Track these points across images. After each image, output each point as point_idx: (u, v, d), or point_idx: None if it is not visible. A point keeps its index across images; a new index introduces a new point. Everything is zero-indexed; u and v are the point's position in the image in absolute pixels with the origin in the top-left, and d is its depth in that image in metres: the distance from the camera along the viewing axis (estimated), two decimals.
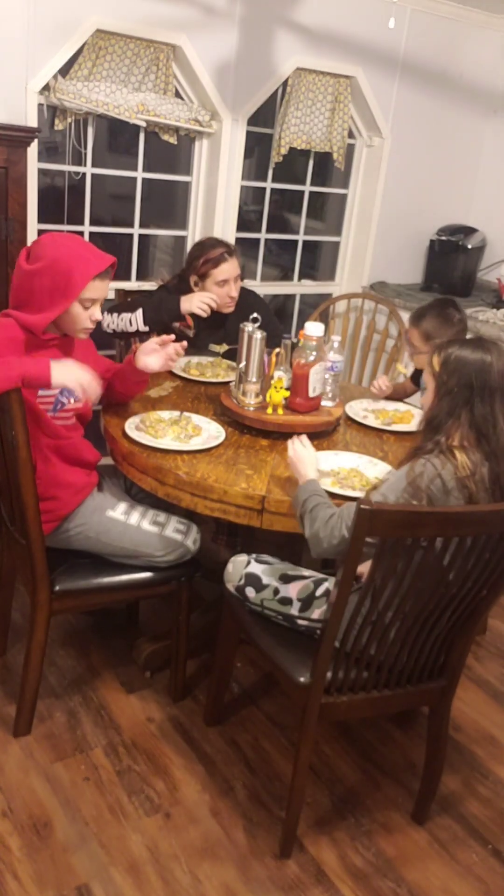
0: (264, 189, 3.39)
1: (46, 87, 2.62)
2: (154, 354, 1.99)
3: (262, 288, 3.40)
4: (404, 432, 2.19)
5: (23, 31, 2.50)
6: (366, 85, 3.30)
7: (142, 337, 2.49)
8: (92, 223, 3.00)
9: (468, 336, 2.03)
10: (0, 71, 2.51)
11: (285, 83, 3.12)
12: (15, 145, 2.30)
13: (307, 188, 3.52)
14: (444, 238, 3.65)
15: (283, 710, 2.11)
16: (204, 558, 2.06)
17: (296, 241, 3.62)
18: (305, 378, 2.02)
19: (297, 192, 3.55)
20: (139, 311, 2.41)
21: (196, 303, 2.42)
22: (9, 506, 1.86)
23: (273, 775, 1.90)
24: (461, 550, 1.45)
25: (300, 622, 1.70)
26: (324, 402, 2.16)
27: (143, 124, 2.85)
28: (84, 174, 2.91)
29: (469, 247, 3.63)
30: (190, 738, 1.98)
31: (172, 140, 2.97)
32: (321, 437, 2.08)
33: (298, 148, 3.26)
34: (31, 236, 2.67)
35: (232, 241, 2.98)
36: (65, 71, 2.65)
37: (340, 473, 1.82)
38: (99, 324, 1.90)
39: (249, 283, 3.25)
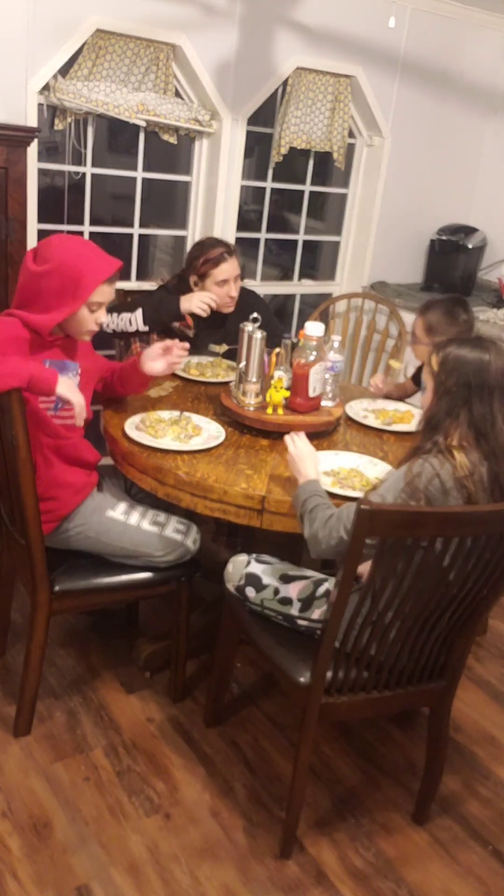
0: (264, 189, 3.39)
1: (46, 87, 2.62)
2: (159, 359, 2.00)
3: (262, 288, 3.39)
4: (404, 432, 2.18)
5: (23, 30, 2.50)
6: (366, 84, 3.29)
7: (141, 337, 2.49)
8: (92, 223, 3.00)
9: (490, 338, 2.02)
10: (0, 71, 2.50)
11: (285, 83, 3.12)
12: (15, 145, 2.30)
13: (307, 188, 3.52)
14: (444, 238, 3.65)
15: (283, 710, 2.11)
16: (204, 558, 2.06)
17: (296, 241, 3.62)
18: (305, 378, 2.02)
19: (297, 192, 3.55)
20: (139, 311, 2.41)
21: (196, 303, 2.42)
22: (8, 506, 1.86)
23: (273, 776, 1.90)
24: (461, 551, 1.45)
25: (300, 622, 1.69)
26: (324, 402, 2.16)
27: (143, 124, 2.85)
28: (84, 174, 2.91)
29: (469, 246, 3.63)
30: (190, 738, 1.98)
31: (172, 140, 2.97)
32: (321, 437, 2.08)
33: (298, 147, 3.26)
34: (31, 236, 2.67)
35: (232, 240, 2.98)
36: (65, 71, 2.65)
37: (340, 473, 1.82)
38: None
39: (249, 283, 3.25)
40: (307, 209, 3.56)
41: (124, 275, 3.13)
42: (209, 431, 1.98)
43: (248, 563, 1.78)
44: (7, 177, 2.31)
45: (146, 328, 2.44)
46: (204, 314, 2.44)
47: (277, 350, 2.12)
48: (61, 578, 1.85)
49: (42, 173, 2.80)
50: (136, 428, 1.93)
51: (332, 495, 1.69)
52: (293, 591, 1.70)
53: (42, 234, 2.81)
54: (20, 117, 2.57)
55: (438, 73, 3.49)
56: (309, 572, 1.77)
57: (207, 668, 2.22)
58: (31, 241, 2.67)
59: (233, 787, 1.85)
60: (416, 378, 2.47)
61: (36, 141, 2.51)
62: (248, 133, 3.10)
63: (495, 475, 1.49)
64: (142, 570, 1.92)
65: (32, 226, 2.68)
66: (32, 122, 2.59)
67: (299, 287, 3.72)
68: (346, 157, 3.40)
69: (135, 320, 2.41)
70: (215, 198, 3.12)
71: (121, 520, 1.89)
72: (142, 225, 3.13)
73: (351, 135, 3.47)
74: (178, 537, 1.91)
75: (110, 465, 2.02)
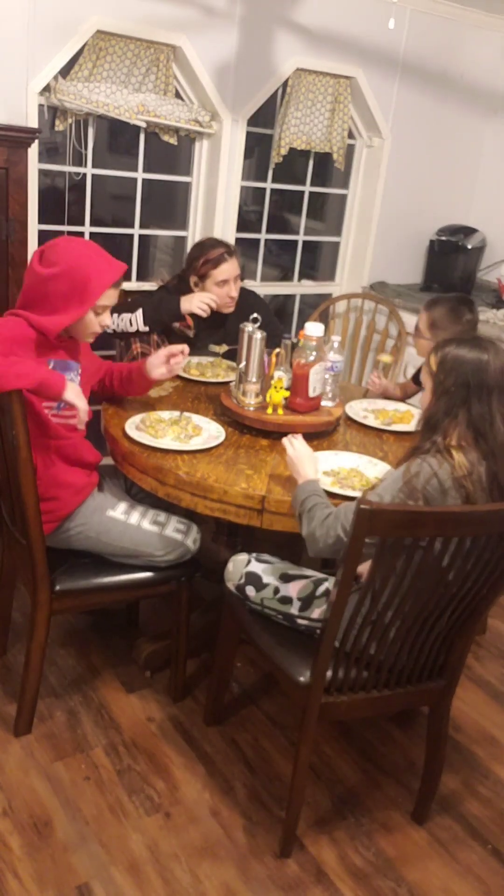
0: (264, 189, 3.40)
1: (47, 88, 2.62)
2: (164, 366, 2.03)
3: (262, 288, 3.40)
4: (404, 432, 2.19)
5: (23, 32, 2.50)
6: (366, 85, 3.30)
7: (142, 337, 2.50)
8: (92, 224, 3.00)
9: (488, 338, 2.03)
10: (1, 72, 2.51)
11: (285, 84, 3.13)
12: (15, 146, 2.30)
13: (307, 188, 3.53)
14: (443, 238, 3.66)
15: (283, 709, 2.11)
16: (204, 558, 2.06)
17: (296, 242, 3.63)
18: (305, 378, 2.02)
19: (297, 193, 3.55)
20: (139, 312, 2.41)
21: (196, 303, 2.42)
22: (9, 506, 1.87)
23: (273, 775, 1.90)
24: (461, 550, 1.45)
25: (300, 622, 1.70)
26: (324, 402, 2.17)
27: (144, 125, 2.86)
28: (84, 175, 2.91)
29: (469, 247, 3.63)
30: (190, 737, 1.98)
31: (172, 141, 2.97)
32: (321, 437, 2.08)
33: (298, 148, 3.27)
34: (32, 237, 2.68)
35: (232, 241, 2.98)
36: (65, 72, 2.66)
37: (340, 473, 1.83)
38: None
39: (249, 284, 3.26)
40: (307, 210, 3.56)
41: (125, 275, 3.13)
42: (209, 431, 1.98)
43: (249, 562, 1.78)
44: (8, 177, 2.31)
45: (146, 328, 2.45)
46: (204, 314, 2.45)
47: (277, 350, 2.13)
48: (62, 578, 1.86)
49: (43, 174, 2.80)
50: (137, 428, 1.94)
51: (331, 495, 1.69)
52: (293, 590, 1.71)
53: (43, 235, 2.82)
54: (21, 118, 2.57)
55: (438, 74, 3.50)
56: (309, 572, 1.77)
57: (207, 667, 2.23)
58: (32, 242, 2.67)
59: (233, 787, 1.85)
60: (417, 378, 2.47)
61: (37, 142, 2.51)
62: (248, 134, 3.10)
63: (494, 474, 1.49)
64: (142, 570, 1.93)
65: (33, 226, 2.69)
66: (33, 122, 2.60)
67: (299, 287, 3.73)
68: (345, 157, 3.40)
69: (135, 320, 2.42)
70: (215, 198, 3.13)
71: (121, 519, 1.89)
72: (142, 225, 3.14)
73: (351, 136, 3.48)
74: (179, 537, 1.91)
75: (110, 465, 2.03)
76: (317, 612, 1.68)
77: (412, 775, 1.94)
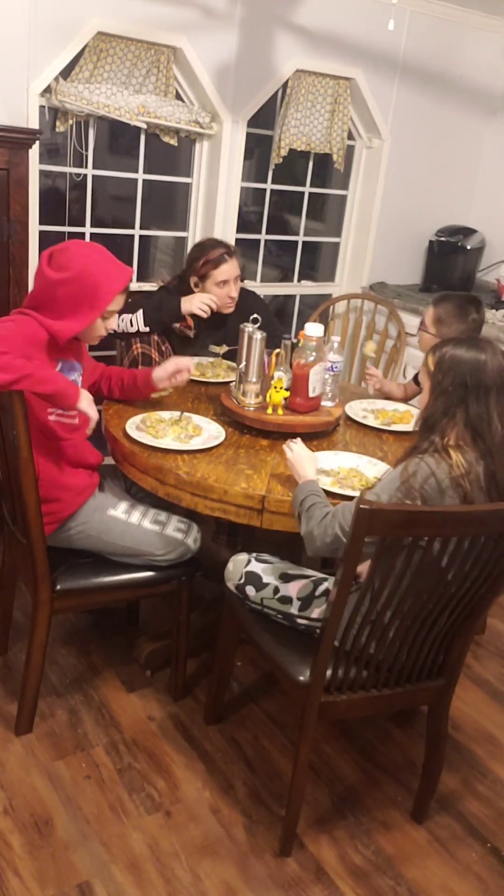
0: (264, 190, 3.40)
1: (48, 90, 2.63)
2: (168, 380, 2.07)
3: (262, 289, 3.41)
4: (404, 432, 2.20)
5: (24, 33, 2.51)
6: (365, 87, 3.31)
7: (142, 337, 2.50)
8: (93, 224, 3.01)
9: (486, 338, 2.04)
10: (1, 73, 2.52)
11: (285, 85, 3.13)
12: (16, 147, 2.31)
13: (307, 189, 3.54)
14: (443, 239, 3.67)
15: (283, 708, 2.12)
16: (204, 558, 2.07)
17: (296, 242, 3.63)
18: (305, 378, 2.03)
19: (296, 194, 3.56)
20: (140, 312, 2.42)
21: (196, 303, 2.43)
22: (10, 505, 1.87)
23: (273, 774, 1.91)
24: (460, 550, 1.46)
25: (300, 621, 1.71)
26: (323, 403, 2.17)
27: (144, 126, 2.86)
28: (85, 176, 2.92)
29: (468, 248, 3.64)
30: (190, 736, 1.99)
31: (173, 142, 2.98)
32: (321, 437, 2.09)
33: (298, 149, 3.28)
34: (33, 237, 2.68)
35: (232, 242, 2.99)
36: (66, 73, 2.67)
37: (340, 473, 1.83)
38: None
39: (249, 284, 3.26)
40: (307, 210, 3.57)
41: None
42: (209, 431, 1.99)
43: (249, 562, 1.79)
44: (9, 178, 2.32)
45: (147, 329, 2.46)
46: (204, 315, 2.46)
47: (277, 350, 2.14)
48: (63, 577, 1.86)
49: (43, 175, 2.81)
50: (137, 428, 1.95)
51: (331, 495, 1.70)
52: (293, 589, 1.71)
53: (43, 236, 2.83)
54: (22, 119, 2.58)
55: (437, 75, 3.51)
56: (309, 571, 1.78)
57: (208, 666, 2.23)
58: (33, 243, 2.68)
59: (233, 785, 1.86)
60: (418, 379, 2.48)
61: (37, 143, 2.52)
62: (248, 135, 3.11)
63: (492, 474, 1.50)
64: (143, 570, 1.93)
65: (34, 227, 2.70)
66: (34, 124, 2.61)
67: (299, 288, 3.73)
68: (345, 158, 3.41)
69: (136, 321, 2.43)
70: (215, 199, 3.14)
71: (122, 518, 1.90)
72: (142, 226, 3.15)
73: (350, 137, 3.49)
74: (179, 536, 1.92)
75: (111, 464, 2.03)
76: (316, 612, 1.68)
77: (411, 774, 1.95)
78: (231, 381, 2.28)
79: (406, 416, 2.27)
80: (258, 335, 2.03)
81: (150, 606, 2.45)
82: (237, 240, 3.22)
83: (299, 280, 3.73)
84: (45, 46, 2.56)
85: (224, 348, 2.55)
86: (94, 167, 2.92)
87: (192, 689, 2.15)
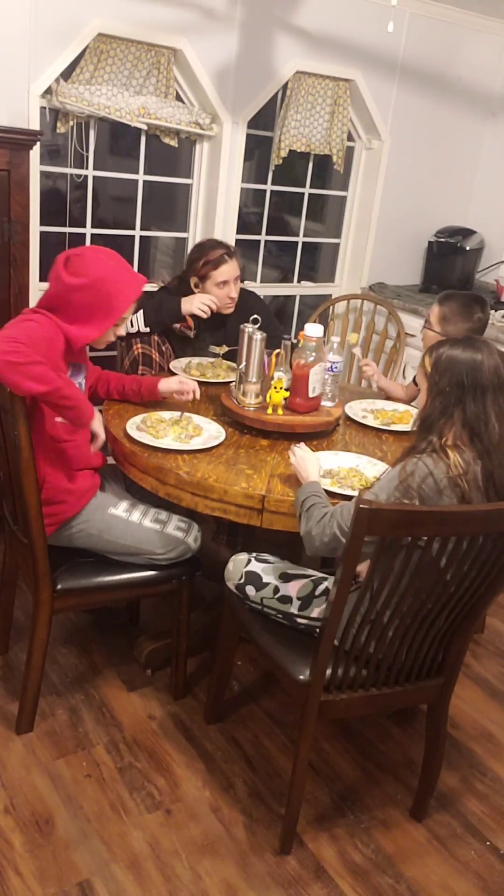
0: (264, 191, 3.41)
1: (49, 91, 2.64)
2: (172, 394, 2.10)
3: (262, 289, 3.41)
4: (403, 432, 2.20)
5: (25, 34, 2.52)
6: (365, 88, 3.32)
7: (142, 337, 2.51)
8: (94, 225, 3.02)
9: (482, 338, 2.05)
10: (2, 74, 2.53)
11: (285, 86, 3.14)
12: (17, 148, 2.32)
13: (307, 190, 3.54)
14: (442, 240, 3.67)
15: (282, 707, 2.13)
16: (204, 557, 2.08)
17: (295, 243, 3.64)
18: (305, 378, 2.04)
19: (296, 195, 3.57)
20: (140, 313, 2.43)
21: (196, 304, 2.44)
22: (11, 505, 1.88)
23: (273, 772, 1.92)
24: (458, 550, 1.46)
25: (300, 620, 1.71)
26: (323, 403, 2.18)
27: (145, 127, 2.87)
28: (86, 177, 2.93)
29: (467, 248, 3.65)
30: (191, 735, 2.00)
31: (173, 143, 2.99)
32: (321, 437, 2.10)
33: (298, 150, 3.28)
34: (34, 238, 2.69)
35: (232, 242, 3.00)
36: (67, 74, 2.67)
37: (340, 473, 1.84)
38: None
39: (249, 285, 3.27)
40: (307, 211, 3.58)
41: None
42: (209, 431, 2.00)
43: (249, 561, 1.80)
44: (9, 179, 2.32)
45: (147, 329, 2.46)
46: (204, 316, 2.47)
47: (277, 351, 2.14)
48: (63, 577, 1.87)
49: (44, 176, 2.82)
50: (138, 428, 1.95)
51: (331, 494, 1.71)
52: (293, 589, 1.72)
53: (44, 237, 2.84)
54: (22, 120, 2.59)
55: (436, 76, 3.52)
56: (308, 571, 1.78)
57: (208, 665, 2.24)
58: (34, 244, 2.69)
59: (233, 784, 1.87)
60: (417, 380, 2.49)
61: (38, 144, 2.52)
62: (248, 136, 3.12)
63: (489, 473, 1.51)
64: (143, 569, 1.94)
65: (35, 228, 2.70)
66: (35, 125, 2.62)
67: (299, 289, 3.74)
68: (345, 160, 3.42)
69: (136, 321, 2.44)
70: (216, 200, 3.14)
71: (123, 517, 1.91)
72: (143, 227, 3.15)
73: (350, 138, 3.50)
74: (180, 535, 1.93)
75: (111, 464, 2.04)
76: (316, 611, 1.69)
77: (411, 773, 1.96)
78: (231, 382, 2.28)
79: (406, 416, 2.28)
80: (258, 335, 2.03)
81: (151, 606, 2.46)
82: (237, 240, 3.23)
83: (299, 281, 3.73)
84: (45, 48, 2.57)
85: (224, 349, 2.56)
86: (95, 168, 2.93)
87: (192, 688, 2.16)
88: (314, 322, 2.91)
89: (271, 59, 3.03)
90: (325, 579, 1.74)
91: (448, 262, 3.68)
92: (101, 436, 1.84)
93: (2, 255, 2.37)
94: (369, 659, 1.60)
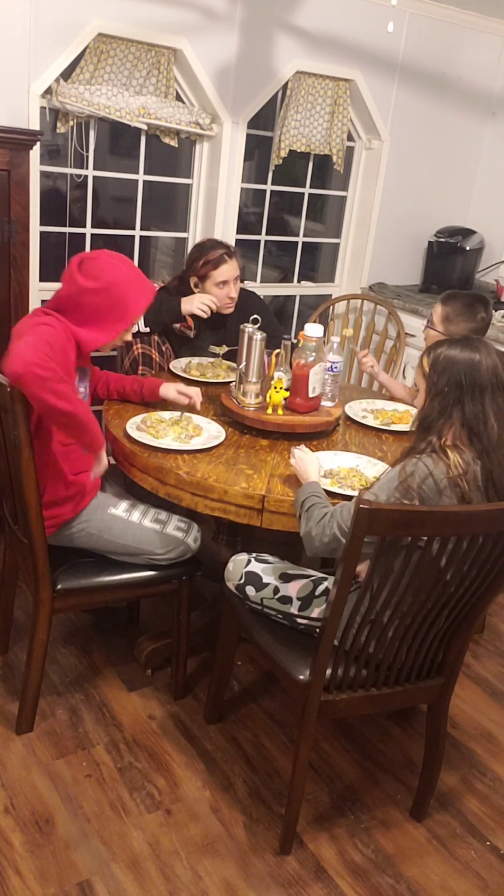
0: (264, 191, 3.41)
1: (49, 91, 2.64)
2: (171, 397, 2.09)
3: (262, 289, 3.41)
4: (403, 432, 2.20)
5: (25, 34, 2.52)
6: (365, 88, 3.32)
7: (142, 337, 2.51)
8: (94, 225, 3.02)
9: (486, 338, 2.05)
10: (2, 74, 2.53)
11: (285, 86, 3.14)
12: (17, 148, 2.32)
13: (307, 190, 3.55)
14: (442, 239, 3.67)
15: (282, 707, 2.13)
16: (204, 557, 2.08)
17: (295, 243, 3.64)
18: (305, 378, 2.04)
19: (296, 195, 3.57)
20: None
21: (196, 304, 2.44)
22: (11, 505, 1.88)
23: (273, 772, 1.92)
24: (458, 550, 1.47)
25: (300, 621, 1.71)
26: (323, 403, 2.18)
27: (145, 127, 2.87)
28: (86, 177, 2.93)
29: (467, 248, 3.65)
30: (191, 735, 2.00)
31: (173, 143, 2.99)
32: (321, 437, 2.10)
33: (298, 150, 3.29)
34: (34, 238, 2.69)
35: (232, 242, 3.00)
36: (67, 74, 2.68)
37: (340, 473, 1.84)
38: None
39: (249, 285, 3.27)
40: (307, 211, 3.58)
41: None
42: (209, 431, 2.00)
43: (249, 562, 1.80)
44: (10, 179, 2.33)
45: (147, 329, 2.46)
46: (204, 316, 2.47)
47: (277, 351, 2.14)
48: (63, 577, 1.87)
49: (44, 176, 2.82)
50: (138, 428, 1.95)
51: (331, 494, 1.71)
52: (293, 589, 1.72)
53: (44, 237, 2.84)
54: (23, 120, 2.59)
55: (436, 76, 3.52)
56: (308, 571, 1.78)
57: (208, 665, 2.24)
58: (34, 244, 2.69)
59: (233, 784, 1.87)
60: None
61: (38, 144, 2.52)
62: (249, 136, 3.12)
63: (489, 473, 1.51)
64: (143, 569, 1.94)
65: (35, 228, 2.70)
66: (35, 125, 2.62)
67: (299, 289, 3.74)
68: (345, 160, 3.42)
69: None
70: (216, 200, 3.14)
71: (123, 517, 1.91)
72: (143, 227, 3.15)
73: (350, 138, 3.50)
74: (180, 535, 1.93)
75: (111, 464, 2.04)
76: (316, 612, 1.69)
77: (411, 772, 1.96)
78: (231, 382, 2.28)
79: (405, 416, 2.28)
80: (258, 335, 2.04)
81: (151, 606, 2.46)
82: (237, 240, 3.23)
83: (299, 281, 3.74)
84: (45, 48, 2.57)
85: (224, 349, 2.56)
86: (95, 168, 2.93)
87: (192, 688, 2.16)
88: (314, 322, 2.92)
89: (271, 59, 3.04)
90: (325, 579, 1.74)
91: (448, 262, 3.68)
92: (104, 464, 1.81)
93: (2, 255, 2.38)
94: (369, 659, 1.60)
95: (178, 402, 2.08)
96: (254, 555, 1.82)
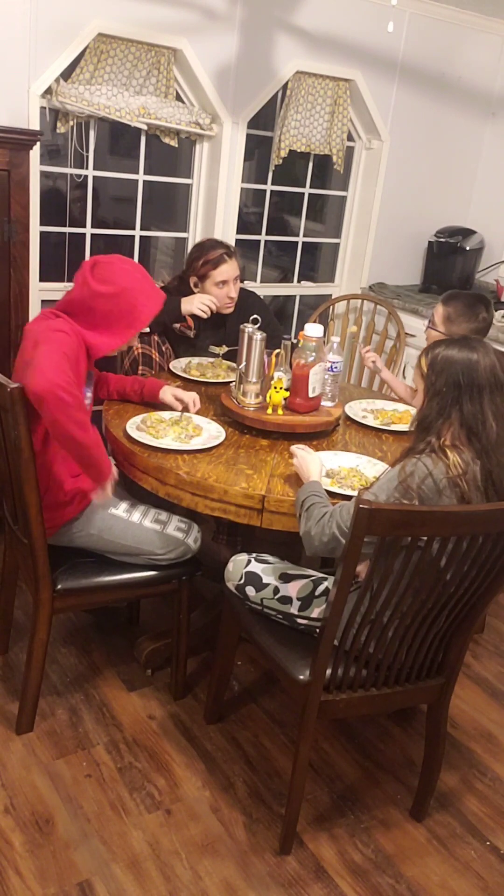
0: (264, 191, 3.41)
1: (49, 91, 2.64)
2: (170, 400, 2.09)
3: (262, 289, 3.41)
4: (403, 432, 2.20)
5: (25, 34, 2.52)
6: (365, 88, 3.32)
7: (142, 337, 2.51)
8: (94, 225, 3.02)
9: (485, 339, 2.05)
10: (2, 74, 2.53)
11: (285, 86, 3.14)
12: (17, 148, 2.32)
13: (307, 190, 3.55)
14: (442, 239, 3.67)
15: (282, 707, 2.13)
16: (204, 557, 2.08)
17: (295, 243, 3.64)
18: (305, 378, 2.04)
19: (296, 195, 3.57)
20: None
21: (196, 304, 2.44)
22: (11, 505, 1.88)
23: (273, 772, 1.92)
24: (458, 550, 1.47)
25: (300, 621, 1.71)
26: (323, 403, 2.18)
27: (145, 127, 2.87)
28: (86, 177, 2.93)
29: (467, 248, 3.65)
30: (190, 735, 2.00)
31: (173, 143, 2.99)
32: (321, 437, 2.10)
33: (298, 150, 3.29)
34: (34, 238, 2.69)
35: (232, 242, 3.00)
36: (67, 74, 2.68)
37: (340, 473, 1.84)
38: None
39: (249, 285, 3.27)
40: (307, 211, 3.58)
41: None
42: (209, 431, 2.00)
43: (248, 562, 1.80)
44: (10, 179, 2.33)
45: (147, 329, 2.46)
46: (204, 316, 2.47)
47: (277, 351, 2.14)
48: (63, 577, 1.87)
49: (44, 176, 2.82)
50: (138, 428, 1.95)
51: (331, 494, 1.71)
52: (293, 589, 1.72)
53: (44, 237, 2.84)
54: (23, 120, 2.59)
55: (436, 76, 3.52)
56: (308, 571, 1.78)
57: (208, 665, 2.24)
58: (34, 244, 2.69)
59: (233, 784, 1.87)
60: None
61: (38, 144, 2.52)
62: (249, 136, 3.12)
63: (488, 473, 1.51)
64: (143, 569, 1.94)
65: (35, 228, 2.70)
66: (35, 125, 2.62)
67: (299, 289, 3.74)
68: (345, 160, 3.42)
69: None
70: (216, 200, 3.14)
71: (123, 517, 1.91)
72: (143, 227, 3.15)
73: (350, 138, 3.50)
74: (180, 535, 1.93)
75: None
76: (316, 612, 1.69)
77: (411, 772, 1.96)
78: (231, 382, 2.28)
79: (405, 417, 2.28)
80: (258, 335, 2.04)
81: (151, 606, 2.46)
82: (237, 240, 3.23)
83: (299, 281, 3.74)
84: (45, 48, 2.57)
85: (224, 349, 2.56)
86: (95, 168, 2.93)
87: (192, 688, 2.16)
88: (314, 322, 2.92)
89: (271, 59, 3.04)
90: (325, 579, 1.74)
91: (448, 262, 3.68)
92: (108, 494, 1.78)
93: (2, 255, 2.38)
94: (369, 659, 1.60)
95: (173, 407, 2.08)
96: (254, 555, 1.82)
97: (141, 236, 3.17)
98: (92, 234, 3.02)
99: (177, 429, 1.96)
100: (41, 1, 2.51)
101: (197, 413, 2.09)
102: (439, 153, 3.70)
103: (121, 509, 1.92)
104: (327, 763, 1.97)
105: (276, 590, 1.73)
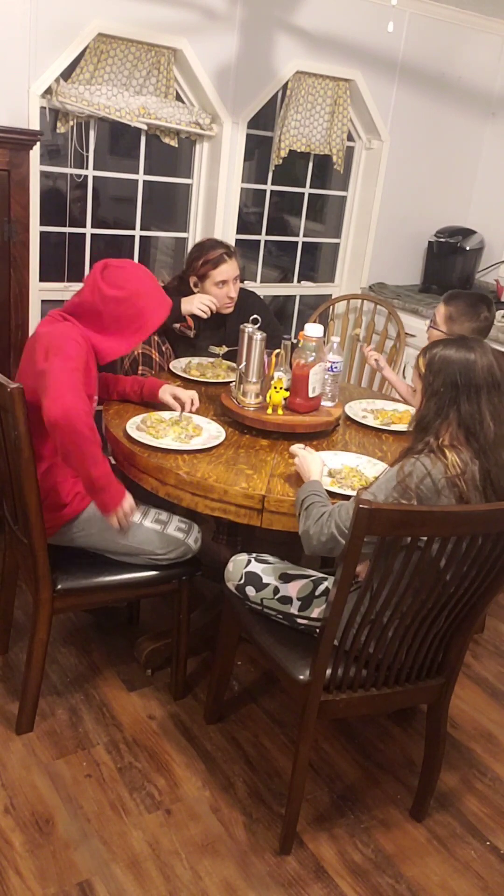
0: (264, 191, 3.41)
1: (49, 91, 2.64)
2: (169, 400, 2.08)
3: (262, 289, 3.41)
4: (403, 432, 2.20)
5: (25, 34, 2.52)
6: (365, 88, 3.32)
7: None
8: (94, 225, 3.02)
9: (486, 339, 2.05)
10: (2, 74, 2.53)
11: (285, 86, 3.14)
12: (17, 148, 2.32)
13: (307, 190, 3.55)
14: (442, 239, 3.68)
15: (282, 707, 2.13)
16: (205, 557, 2.08)
17: (295, 243, 3.64)
18: (305, 378, 2.04)
19: (296, 195, 3.57)
20: None
21: (196, 304, 2.44)
22: (11, 505, 1.88)
23: (273, 772, 1.92)
24: (458, 550, 1.47)
25: (300, 621, 1.71)
26: (323, 403, 2.18)
27: (145, 127, 2.87)
28: (86, 177, 2.93)
29: (467, 248, 3.65)
30: (191, 735, 2.00)
31: (173, 143, 2.99)
32: (321, 437, 2.10)
33: (298, 151, 3.29)
34: (34, 238, 2.69)
35: (232, 242, 3.00)
36: (67, 74, 2.68)
37: (340, 473, 1.84)
38: None
39: (249, 285, 3.28)
40: (307, 211, 3.58)
41: None
42: (209, 431, 2.00)
43: (249, 562, 1.80)
44: (10, 179, 2.33)
45: None
46: (204, 316, 2.47)
47: (277, 351, 2.14)
48: (63, 577, 1.87)
49: (44, 176, 2.82)
50: (137, 428, 1.95)
51: (331, 494, 1.71)
52: (293, 590, 1.72)
53: (44, 237, 2.84)
54: (23, 120, 2.59)
55: (436, 76, 3.52)
56: (308, 571, 1.78)
57: (208, 665, 2.24)
58: (34, 244, 2.69)
59: (233, 784, 1.87)
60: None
61: (38, 144, 2.53)
62: (249, 136, 3.12)
63: (487, 472, 1.51)
64: (143, 569, 1.94)
65: (35, 228, 2.70)
66: (35, 125, 2.62)
67: (299, 289, 3.74)
68: (345, 160, 3.42)
69: None
70: (216, 200, 3.14)
71: None
72: (143, 227, 3.15)
73: (350, 138, 3.50)
74: (180, 536, 1.93)
75: (111, 464, 2.04)
76: (316, 612, 1.69)
77: (411, 772, 1.96)
78: (231, 382, 2.28)
79: (405, 417, 2.28)
80: (258, 335, 2.04)
81: (151, 606, 2.46)
82: (237, 240, 3.23)
83: (299, 281, 3.74)
84: (45, 48, 2.57)
85: (224, 349, 2.56)
86: (95, 168, 2.93)
87: (192, 688, 2.16)
88: (314, 322, 2.92)
89: (271, 59, 3.04)
90: (325, 579, 1.74)
91: (448, 262, 3.68)
92: (114, 523, 1.76)
93: (2, 255, 2.38)
94: (369, 659, 1.60)
95: (172, 406, 2.07)
96: (254, 555, 1.82)
97: (141, 236, 3.17)
98: (92, 234, 3.02)
99: (177, 429, 1.96)
100: (41, 1, 2.51)
101: (197, 413, 2.09)
102: (439, 153, 3.70)
103: None
104: (327, 763, 1.97)
105: (276, 590, 1.73)
